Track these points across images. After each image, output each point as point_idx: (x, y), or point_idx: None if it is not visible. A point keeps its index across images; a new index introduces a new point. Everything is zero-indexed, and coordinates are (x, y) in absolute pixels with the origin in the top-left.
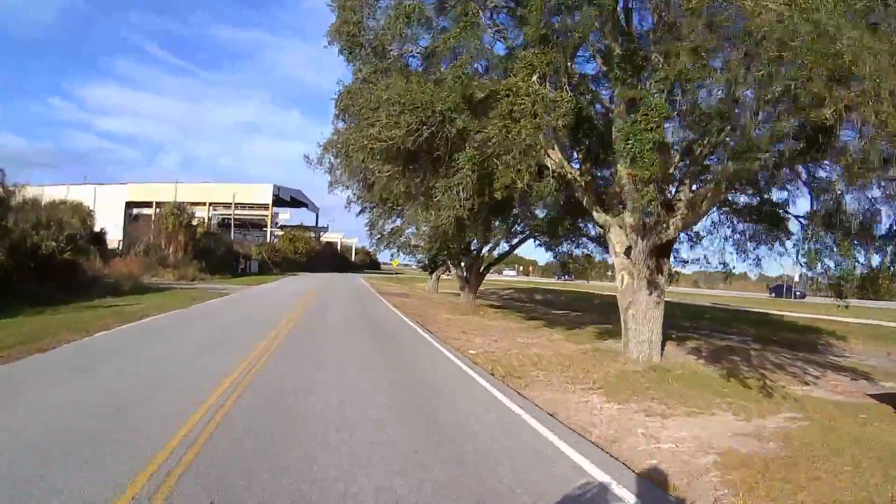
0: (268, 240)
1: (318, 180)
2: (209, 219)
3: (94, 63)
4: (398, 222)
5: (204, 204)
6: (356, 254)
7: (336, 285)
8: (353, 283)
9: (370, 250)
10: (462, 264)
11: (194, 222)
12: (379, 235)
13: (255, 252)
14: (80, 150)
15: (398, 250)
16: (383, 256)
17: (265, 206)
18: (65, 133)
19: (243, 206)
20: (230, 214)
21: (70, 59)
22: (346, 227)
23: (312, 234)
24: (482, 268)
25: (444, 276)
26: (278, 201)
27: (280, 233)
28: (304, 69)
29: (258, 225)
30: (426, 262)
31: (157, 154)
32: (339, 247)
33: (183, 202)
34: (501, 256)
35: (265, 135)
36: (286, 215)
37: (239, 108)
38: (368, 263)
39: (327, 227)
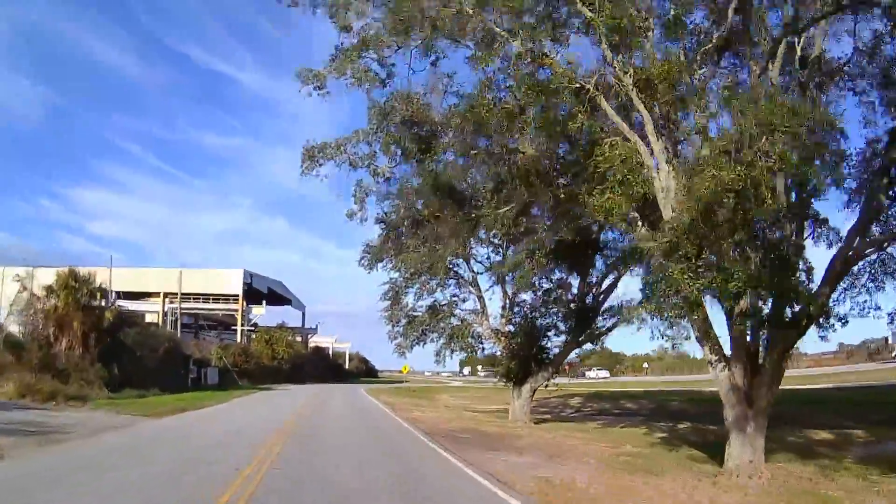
0: (238, 340)
1: (307, 275)
2: (164, 313)
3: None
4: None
5: (157, 295)
6: (350, 360)
7: (332, 408)
8: (360, 404)
9: (365, 356)
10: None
11: (102, 302)
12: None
13: (216, 356)
14: (70, 251)
15: (451, 347)
16: (418, 361)
17: (234, 299)
18: (56, 234)
19: (205, 298)
20: (193, 309)
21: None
22: (335, 330)
23: (298, 337)
24: None
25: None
26: (252, 294)
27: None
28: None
29: (228, 324)
30: (506, 365)
31: (145, 259)
32: (330, 352)
33: (92, 276)
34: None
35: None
36: (261, 311)
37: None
38: (365, 371)
39: (316, 328)
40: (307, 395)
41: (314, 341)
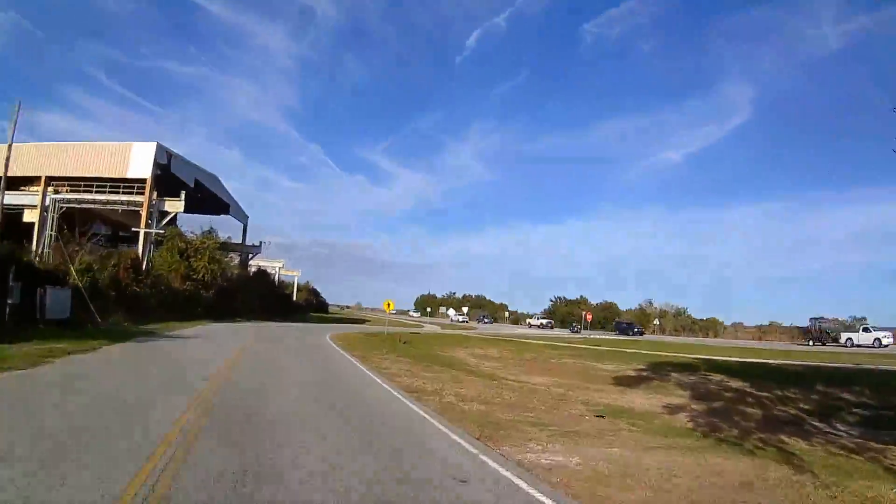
0: (140, 247)
1: (259, 207)
2: (44, 207)
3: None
4: None
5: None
6: (298, 291)
7: (287, 401)
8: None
9: (315, 288)
10: None
11: None
12: None
13: (79, 269)
14: None
15: None
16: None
17: (139, 186)
18: None
19: (101, 186)
20: (76, 202)
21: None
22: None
23: (234, 256)
24: None
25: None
26: (170, 185)
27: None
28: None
29: (129, 226)
30: None
31: None
32: (276, 278)
33: None
34: None
35: None
36: (177, 206)
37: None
38: (315, 305)
39: (259, 247)
40: (226, 354)
41: (256, 263)
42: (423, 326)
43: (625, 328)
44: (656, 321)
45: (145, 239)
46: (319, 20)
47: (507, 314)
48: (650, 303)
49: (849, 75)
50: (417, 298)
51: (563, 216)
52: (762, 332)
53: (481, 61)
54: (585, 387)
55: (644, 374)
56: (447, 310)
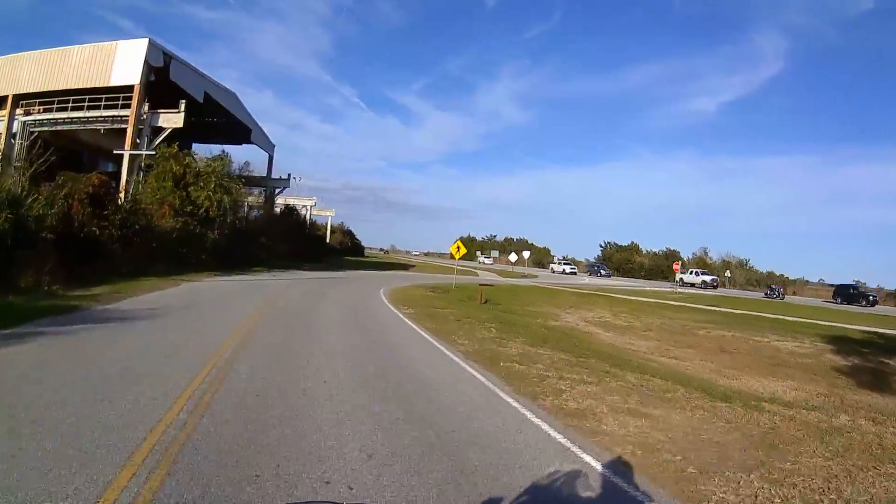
0: (124, 176)
1: (291, 150)
2: (12, 135)
3: None
4: None
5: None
6: (332, 233)
7: None
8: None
9: (350, 229)
10: None
11: None
12: None
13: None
14: None
15: None
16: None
17: (126, 97)
18: None
19: (79, 101)
20: (71, 119)
21: None
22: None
23: (256, 191)
24: None
25: None
26: (167, 94)
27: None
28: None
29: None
30: None
31: None
32: (307, 218)
33: None
34: None
35: None
36: (175, 121)
37: None
38: (350, 248)
39: (288, 180)
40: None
41: (283, 201)
42: (480, 275)
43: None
44: (727, 273)
45: (131, 164)
46: None
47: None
48: (705, 251)
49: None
50: (456, 240)
51: (596, 160)
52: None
53: (514, 2)
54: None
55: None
56: (489, 256)
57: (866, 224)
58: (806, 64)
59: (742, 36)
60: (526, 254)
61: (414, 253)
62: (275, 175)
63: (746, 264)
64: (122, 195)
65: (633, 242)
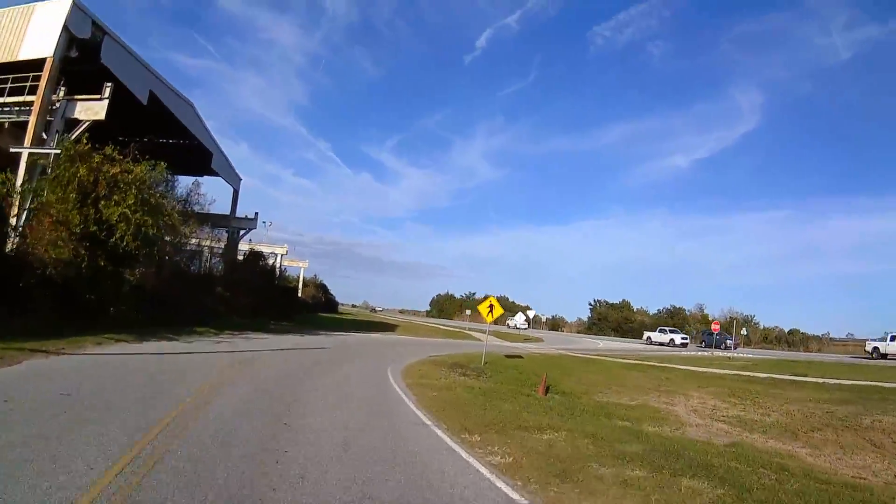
0: (20, 178)
1: (265, 201)
2: None
3: None
4: None
5: None
6: (305, 286)
7: None
8: None
9: (324, 282)
10: None
11: None
12: None
13: None
14: None
15: None
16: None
17: (34, 77)
18: None
19: None
20: None
21: None
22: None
23: (219, 232)
24: None
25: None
26: (90, 78)
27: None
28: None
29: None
30: None
31: None
32: (276, 266)
33: None
34: None
35: None
36: (94, 111)
37: None
38: (323, 303)
39: (255, 220)
40: None
41: (249, 244)
42: (482, 339)
43: None
44: (743, 331)
45: (30, 165)
46: (330, 16)
47: (544, 319)
48: (701, 308)
49: (858, 84)
50: (433, 298)
51: (569, 218)
52: (843, 344)
53: (491, 61)
54: None
55: None
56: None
57: (841, 275)
58: (780, 118)
59: (718, 92)
60: (531, 314)
61: (378, 309)
62: (240, 214)
63: (751, 321)
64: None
65: (624, 300)
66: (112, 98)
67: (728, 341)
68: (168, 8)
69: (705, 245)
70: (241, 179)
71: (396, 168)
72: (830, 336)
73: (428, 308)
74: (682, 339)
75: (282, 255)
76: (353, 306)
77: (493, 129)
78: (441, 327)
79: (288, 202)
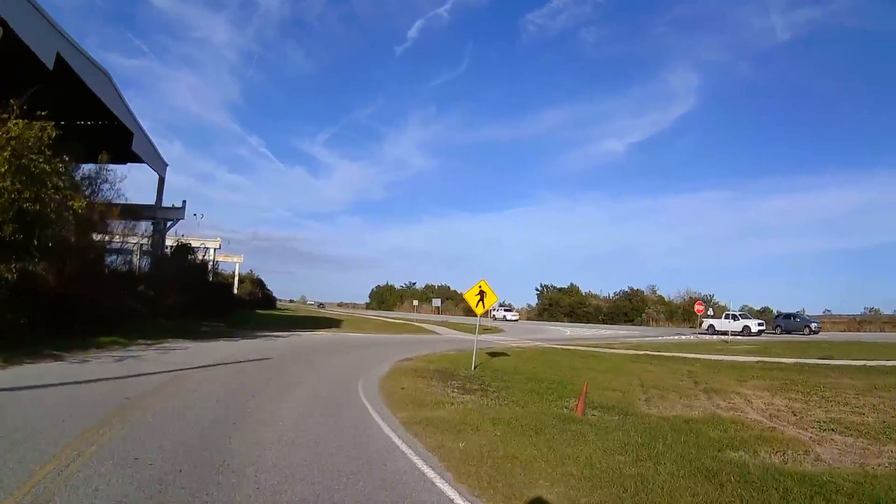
0: None
1: (198, 200)
2: None
3: None
4: None
5: None
6: (241, 282)
7: None
8: None
9: (260, 278)
10: None
11: None
12: None
13: None
14: None
15: None
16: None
17: None
18: None
19: None
20: None
21: None
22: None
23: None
24: None
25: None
26: None
27: None
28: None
29: None
30: None
31: None
32: (208, 261)
33: None
34: None
35: None
36: None
37: None
38: (261, 300)
39: (182, 209)
40: None
41: (177, 236)
42: (442, 333)
43: None
44: (710, 312)
45: None
46: (262, 11)
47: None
48: (654, 290)
49: (798, 66)
50: (372, 290)
51: (504, 205)
52: (859, 322)
53: (422, 52)
54: None
55: None
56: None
57: (783, 254)
58: (718, 100)
59: (653, 76)
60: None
61: (311, 303)
62: (167, 203)
63: (712, 301)
64: None
65: (572, 284)
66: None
67: (813, 324)
68: (101, 7)
69: (644, 227)
70: (167, 165)
71: (329, 161)
72: (806, 313)
73: (368, 300)
74: (759, 325)
75: (215, 250)
76: (292, 301)
77: (426, 119)
78: (388, 320)
79: (223, 200)
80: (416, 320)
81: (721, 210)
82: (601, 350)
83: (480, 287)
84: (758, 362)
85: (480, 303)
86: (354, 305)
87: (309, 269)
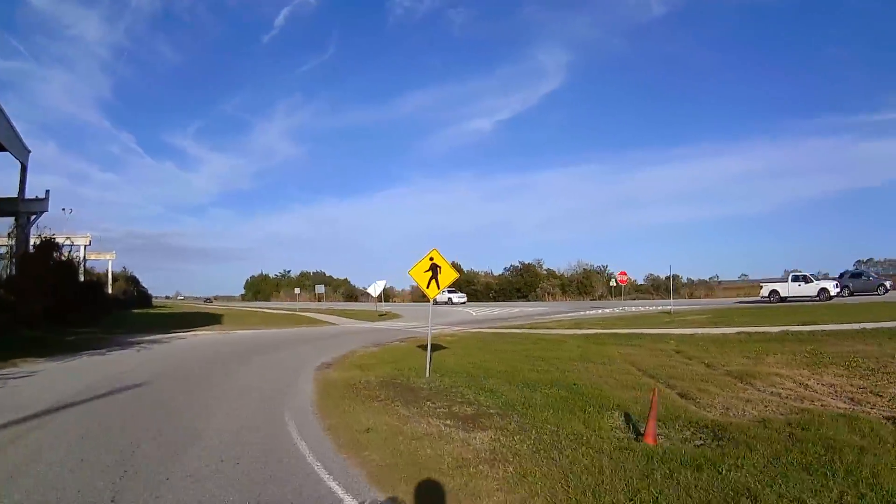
0: None
1: (74, 202)
2: None
3: None
4: None
5: None
6: (114, 281)
7: None
8: None
9: (135, 275)
10: None
11: None
12: None
13: None
14: None
15: None
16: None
17: None
18: None
19: None
20: None
21: None
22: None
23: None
24: None
25: None
26: None
27: None
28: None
29: None
30: None
31: None
32: (77, 258)
33: None
34: None
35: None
36: None
37: None
38: (136, 299)
39: (45, 201)
40: None
41: (42, 232)
42: (339, 323)
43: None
44: (612, 283)
45: None
46: (133, 6)
47: (367, 288)
48: (539, 264)
49: (673, 39)
50: (247, 281)
51: (375, 188)
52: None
53: (289, 39)
54: None
55: None
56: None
57: (665, 223)
58: (590, 75)
59: (521, 54)
60: (381, 284)
61: (198, 298)
62: (31, 193)
63: (606, 272)
64: None
65: (454, 262)
66: None
67: (887, 282)
68: None
69: (518, 203)
70: (29, 152)
71: (198, 154)
72: (719, 279)
73: (243, 291)
74: (836, 287)
75: (85, 247)
76: (168, 298)
77: (293, 106)
78: (272, 312)
79: (97, 199)
80: (301, 310)
81: (596, 183)
82: (543, 332)
83: (432, 259)
84: (738, 333)
85: (433, 281)
86: (229, 298)
87: (183, 264)
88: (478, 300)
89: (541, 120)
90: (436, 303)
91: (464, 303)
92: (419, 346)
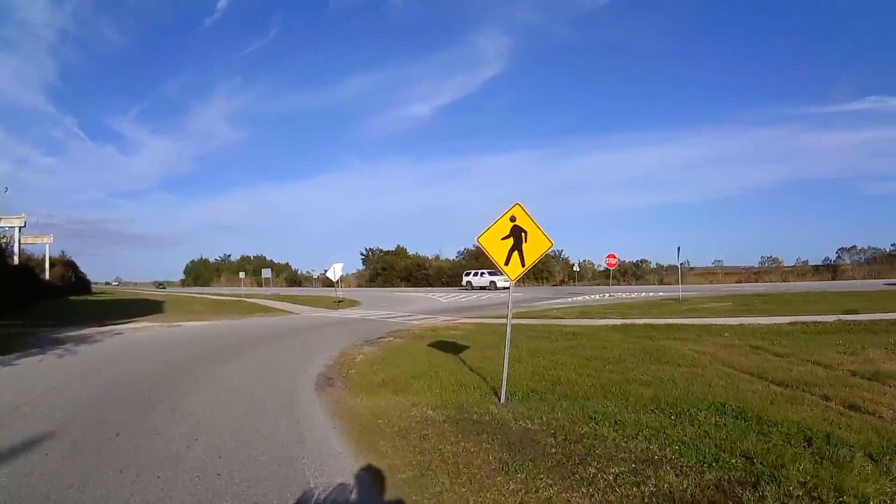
0: None
1: (17, 186)
2: None
3: None
4: None
5: None
6: (52, 266)
7: None
8: None
9: (73, 260)
10: None
11: None
12: None
13: None
14: None
15: None
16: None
17: None
18: None
19: None
20: None
21: None
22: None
23: None
24: None
25: None
26: None
27: None
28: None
29: None
30: None
31: None
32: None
33: None
34: None
35: None
36: None
37: None
38: (75, 284)
39: None
40: None
41: None
42: (300, 312)
43: None
44: (576, 269)
45: None
46: None
47: (315, 275)
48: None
49: (618, 26)
50: (187, 266)
51: (313, 172)
52: (756, 273)
53: (231, 21)
54: None
55: None
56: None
57: (606, 209)
58: (532, 62)
59: (462, 39)
60: (338, 268)
61: (141, 283)
62: None
63: (562, 255)
64: None
65: (399, 246)
66: None
67: None
68: None
69: (457, 188)
70: None
71: (139, 137)
72: (690, 265)
73: (183, 276)
74: None
75: (20, 228)
76: (108, 283)
77: (233, 89)
78: (218, 298)
79: (38, 184)
80: (247, 295)
81: (536, 168)
82: (563, 322)
83: (514, 220)
84: (791, 324)
85: (515, 252)
86: (170, 283)
87: (123, 249)
88: (429, 285)
89: (481, 105)
90: (480, 288)
91: (507, 287)
92: (429, 345)
